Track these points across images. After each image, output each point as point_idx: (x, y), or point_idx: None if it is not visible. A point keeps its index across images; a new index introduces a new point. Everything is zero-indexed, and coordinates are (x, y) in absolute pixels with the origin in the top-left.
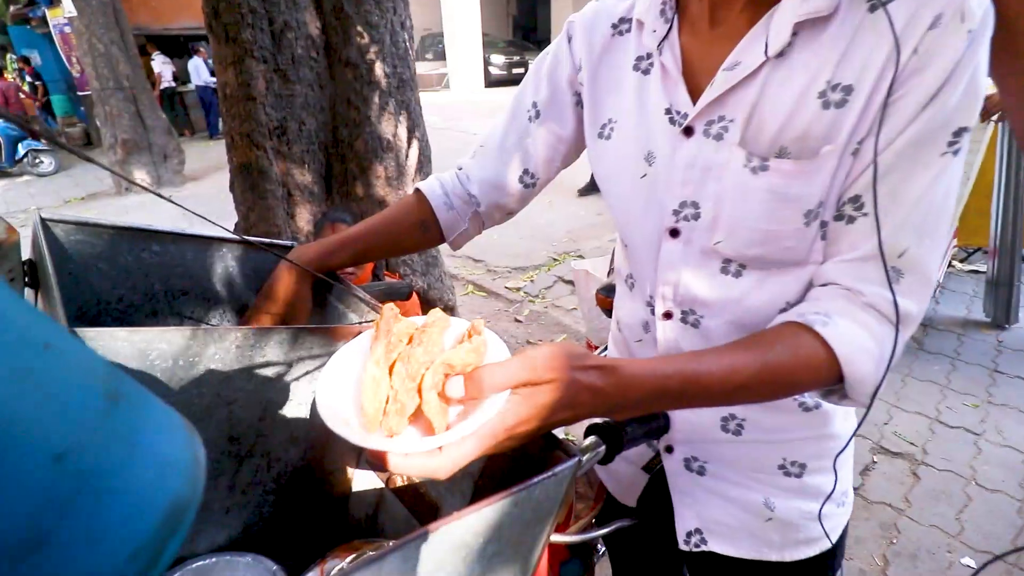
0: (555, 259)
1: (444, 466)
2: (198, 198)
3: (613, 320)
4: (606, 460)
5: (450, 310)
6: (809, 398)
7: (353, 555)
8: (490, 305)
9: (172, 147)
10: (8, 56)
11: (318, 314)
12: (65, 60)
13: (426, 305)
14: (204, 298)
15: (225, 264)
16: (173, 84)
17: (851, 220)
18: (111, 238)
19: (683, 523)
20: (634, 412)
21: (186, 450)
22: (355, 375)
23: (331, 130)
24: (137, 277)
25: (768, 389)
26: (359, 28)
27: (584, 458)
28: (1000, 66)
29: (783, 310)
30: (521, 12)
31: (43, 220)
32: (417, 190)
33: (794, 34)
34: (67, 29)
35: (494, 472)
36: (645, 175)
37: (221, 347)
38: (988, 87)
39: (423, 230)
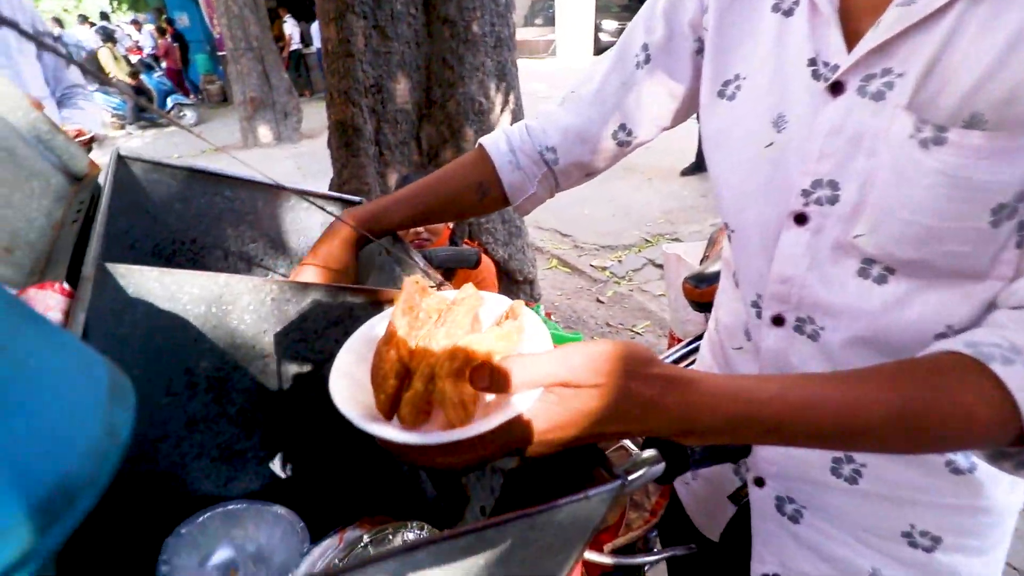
0: (647, 240)
1: (456, 465)
2: (313, 154)
3: (712, 318)
4: (665, 479)
5: (529, 283)
6: (962, 457)
7: (375, 530)
8: (572, 282)
9: (292, 106)
10: (163, 17)
11: (375, 275)
12: (208, 22)
13: (505, 277)
14: (273, 247)
15: (296, 216)
16: (300, 46)
17: None
18: (185, 179)
19: (760, 564)
20: (709, 439)
21: (93, 422)
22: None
23: (425, 90)
24: (210, 220)
25: (907, 440)
26: None
27: (632, 478)
28: None
29: (941, 335)
30: None
31: (120, 157)
32: (480, 146)
33: None
34: None
35: (528, 470)
36: (771, 144)
37: (256, 298)
38: None
39: (480, 193)
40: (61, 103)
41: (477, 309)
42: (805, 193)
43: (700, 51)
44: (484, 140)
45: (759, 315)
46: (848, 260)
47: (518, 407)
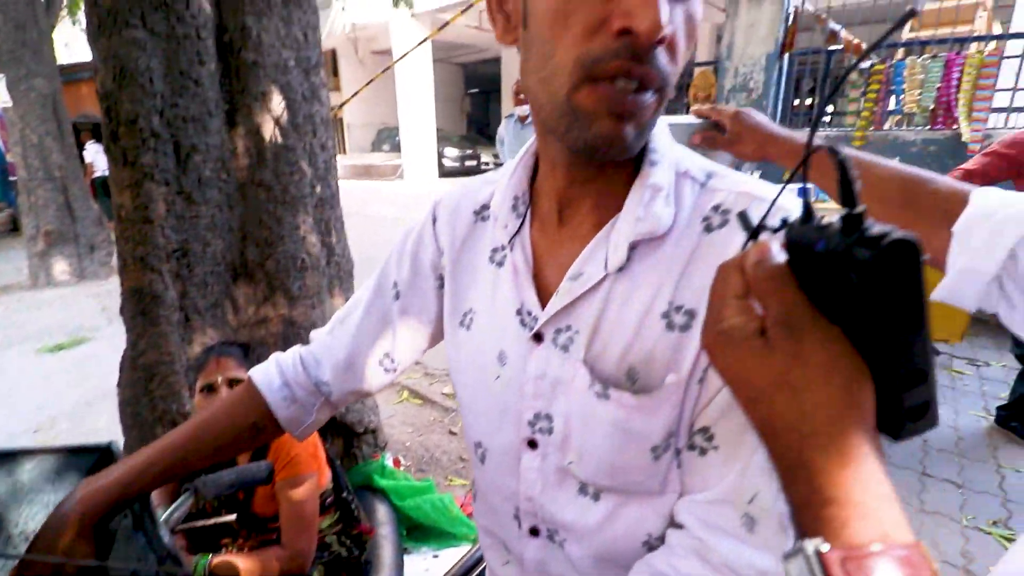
0: None
1: None
2: None
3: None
4: None
5: (372, 432)
6: None
7: None
8: (424, 415)
9: (100, 238)
10: None
11: (121, 545)
12: (2, 145)
13: (344, 430)
14: None
15: (17, 481)
16: (107, 173)
17: (703, 452)
18: None
19: None
20: None
21: None
22: None
23: (240, 250)
24: None
25: None
26: (275, 152)
27: None
28: None
29: (646, 542)
30: (475, 109)
31: None
32: (250, 380)
33: (633, 248)
34: (2, 116)
35: None
36: (499, 377)
37: None
38: None
39: (254, 432)
40: None
41: None
42: (530, 423)
43: (442, 286)
44: (255, 375)
45: (520, 526)
46: (569, 481)
47: None
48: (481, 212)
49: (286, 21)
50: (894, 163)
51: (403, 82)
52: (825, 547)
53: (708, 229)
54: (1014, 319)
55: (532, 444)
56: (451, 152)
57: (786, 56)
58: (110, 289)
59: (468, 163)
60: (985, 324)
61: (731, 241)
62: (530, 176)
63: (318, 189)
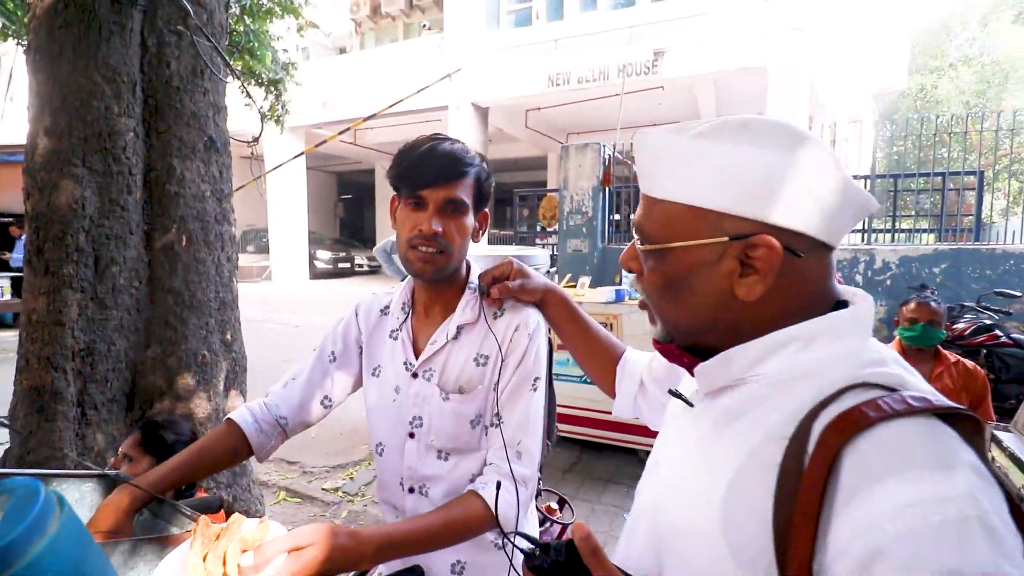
0: None
1: None
2: None
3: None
4: None
5: None
6: (496, 537)
7: None
8: (304, 512)
9: None
10: None
11: (139, 532)
12: None
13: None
14: None
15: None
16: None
17: (497, 425)
18: None
19: None
20: (376, 561)
21: None
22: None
23: (143, 348)
24: None
25: (452, 534)
26: (186, 264)
27: None
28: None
29: (472, 478)
30: (348, 214)
31: None
32: (229, 419)
33: (460, 328)
34: None
35: None
36: (395, 400)
37: None
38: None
39: (234, 455)
40: None
41: (243, 524)
42: (411, 423)
43: (361, 353)
44: (233, 415)
45: (403, 488)
46: (432, 452)
47: (274, 569)
48: (384, 310)
49: (205, 162)
50: (598, 326)
51: (274, 188)
52: None
53: (495, 316)
54: (649, 419)
55: (412, 435)
56: (323, 255)
57: (607, 188)
58: None
59: (341, 265)
60: None
61: (509, 323)
62: (411, 291)
63: (221, 294)
